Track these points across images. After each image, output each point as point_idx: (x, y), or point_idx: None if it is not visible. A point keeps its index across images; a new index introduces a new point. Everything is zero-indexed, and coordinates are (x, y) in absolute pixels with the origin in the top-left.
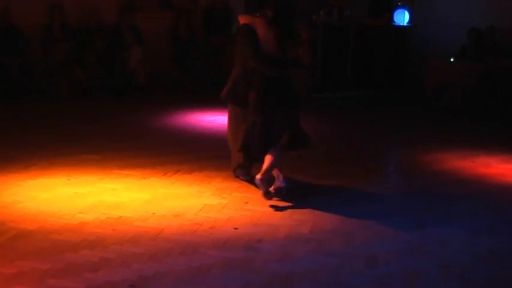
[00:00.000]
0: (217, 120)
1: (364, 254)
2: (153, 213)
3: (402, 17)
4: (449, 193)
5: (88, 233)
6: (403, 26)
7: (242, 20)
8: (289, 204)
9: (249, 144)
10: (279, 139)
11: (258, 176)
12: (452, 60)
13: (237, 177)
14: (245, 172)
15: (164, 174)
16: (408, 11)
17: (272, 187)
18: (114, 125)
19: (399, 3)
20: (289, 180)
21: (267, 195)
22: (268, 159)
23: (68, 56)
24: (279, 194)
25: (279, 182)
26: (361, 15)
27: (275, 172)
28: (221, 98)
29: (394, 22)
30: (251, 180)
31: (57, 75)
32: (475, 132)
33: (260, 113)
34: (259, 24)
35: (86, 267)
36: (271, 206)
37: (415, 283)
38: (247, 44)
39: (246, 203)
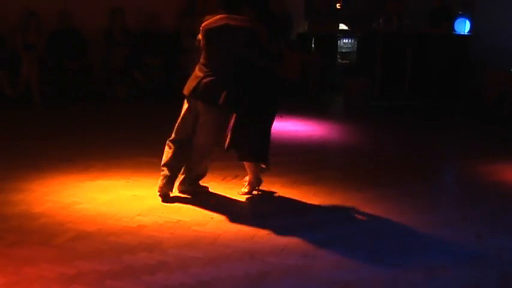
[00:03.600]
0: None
1: (421, 265)
2: (212, 218)
3: (463, 26)
4: (507, 204)
5: (146, 236)
6: (463, 35)
7: (224, 20)
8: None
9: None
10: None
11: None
12: None
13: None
14: None
15: (223, 179)
16: (469, 20)
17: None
18: (172, 129)
19: (460, 12)
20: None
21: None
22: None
23: (128, 59)
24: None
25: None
26: (421, 24)
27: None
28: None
29: (455, 31)
30: (310, 187)
31: (117, 78)
32: None
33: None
34: (255, 24)
35: (144, 270)
36: (329, 214)
37: None
38: (254, 45)
39: (304, 210)
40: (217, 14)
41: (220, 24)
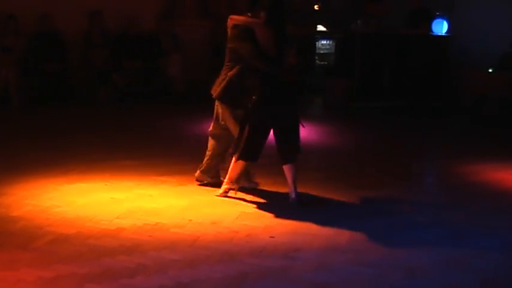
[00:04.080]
0: None
1: (401, 265)
2: (190, 220)
3: (441, 27)
4: (486, 205)
5: (125, 238)
6: (441, 36)
7: (233, 20)
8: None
9: (248, 146)
10: (279, 146)
11: (292, 196)
12: (490, 70)
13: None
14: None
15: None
16: (447, 21)
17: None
18: (151, 132)
19: (438, 13)
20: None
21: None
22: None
23: (107, 62)
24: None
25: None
26: (400, 25)
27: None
28: (215, 97)
29: (433, 32)
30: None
31: (96, 81)
32: None
33: (259, 115)
34: (256, 25)
35: (123, 273)
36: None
37: None
38: (246, 43)
39: (283, 211)
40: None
41: (228, 24)
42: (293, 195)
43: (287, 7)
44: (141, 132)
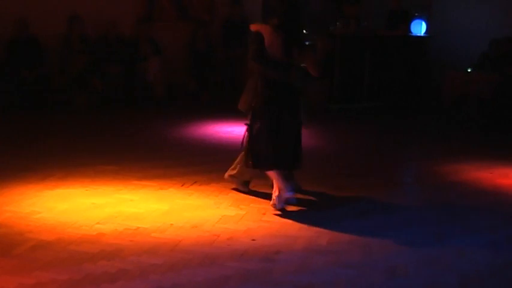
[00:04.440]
0: (234, 131)
1: (382, 266)
2: (171, 224)
3: (419, 28)
4: (467, 204)
5: (106, 243)
6: (420, 37)
7: (253, 27)
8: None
9: (256, 152)
10: (284, 153)
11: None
12: (469, 70)
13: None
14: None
15: (182, 185)
16: (425, 22)
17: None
18: (132, 136)
19: (416, 14)
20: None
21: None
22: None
23: (87, 67)
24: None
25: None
26: (379, 27)
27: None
28: (240, 109)
29: (411, 33)
30: (270, 192)
31: (76, 86)
32: (493, 143)
33: (264, 119)
34: (267, 30)
35: (104, 278)
36: (289, 218)
37: None
38: (252, 45)
39: (264, 214)
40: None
41: None
42: (287, 194)
43: (301, 14)
44: (121, 136)
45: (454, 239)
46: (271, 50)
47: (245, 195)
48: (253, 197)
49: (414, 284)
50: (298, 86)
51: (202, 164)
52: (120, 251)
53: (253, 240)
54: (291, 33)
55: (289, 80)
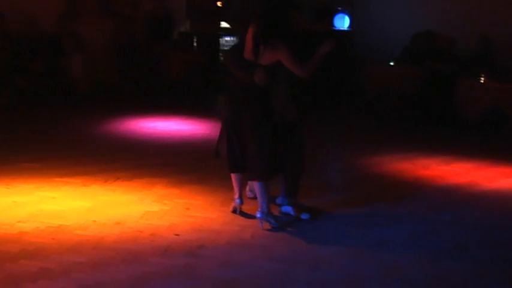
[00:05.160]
0: (157, 126)
1: (306, 259)
2: (94, 221)
3: (342, 22)
4: (388, 195)
5: (27, 242)
6: (343, 31)
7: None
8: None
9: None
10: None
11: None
12: (391, 64)
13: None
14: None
15: (105, 182)
16: (348, 16)
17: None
18: (54, 133)
19: (339, 8)
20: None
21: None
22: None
23: (8, 64)
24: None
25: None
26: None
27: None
28: None
29: (335, 27)
30: (194, 187)
31: None
32: (415, 135)
33: (225, 121)
34: (251, 27)
35: (26, 277)
36: (213, 213)
37: (357, 286)
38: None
39: (188, 209)
40: None
41: None
42: (236, 201)
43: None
44: (43, 134)
45: (376, 231)
46: (247, 50)
47: (168, 191)
48: (177, 193)
49: (338, 276)
50: (268, 87)
51: (125, 160)
52: (42, 250)
53: (177, 235)
54: (263, 28)
55: (254, 80)
